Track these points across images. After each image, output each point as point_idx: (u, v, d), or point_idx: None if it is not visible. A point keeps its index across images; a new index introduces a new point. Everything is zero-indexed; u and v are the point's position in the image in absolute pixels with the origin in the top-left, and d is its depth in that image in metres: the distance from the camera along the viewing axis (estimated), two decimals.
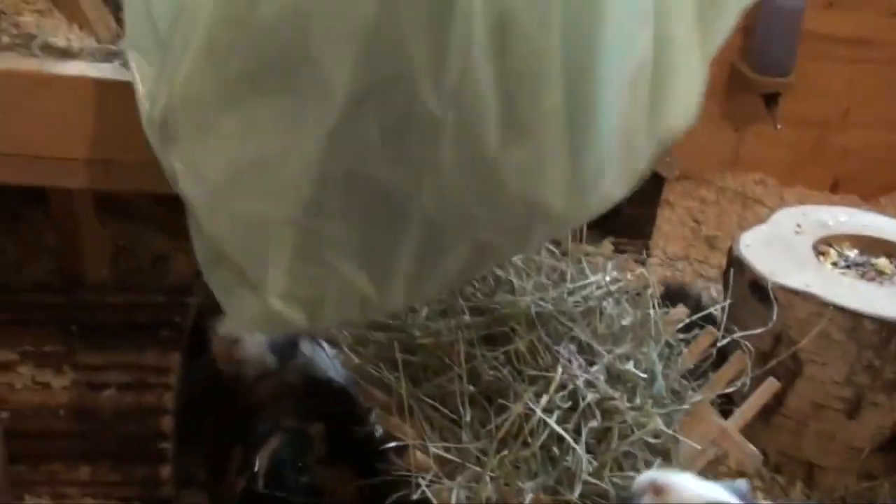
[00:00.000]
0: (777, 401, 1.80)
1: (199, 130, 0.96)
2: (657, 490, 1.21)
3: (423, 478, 1.31)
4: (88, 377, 1.62)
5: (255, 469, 1.46)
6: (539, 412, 1.32)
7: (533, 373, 1.39)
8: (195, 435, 1.71)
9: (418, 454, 1.33)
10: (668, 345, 1.53)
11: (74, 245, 1.97)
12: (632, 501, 1.25)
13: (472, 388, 1.37)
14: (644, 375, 1.43)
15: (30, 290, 1.81)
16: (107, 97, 1.21)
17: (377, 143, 0.92)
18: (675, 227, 2.63)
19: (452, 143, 0.92)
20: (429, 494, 1.30)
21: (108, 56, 1.26)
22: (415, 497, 1.31)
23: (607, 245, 1.74)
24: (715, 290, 2.34)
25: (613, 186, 1.06)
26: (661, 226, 2.56)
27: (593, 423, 1.35)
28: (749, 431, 1.51)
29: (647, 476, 1.25)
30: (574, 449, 1.32)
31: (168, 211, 2.22)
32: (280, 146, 0.94)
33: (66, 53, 1.26)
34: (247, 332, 1.04)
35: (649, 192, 2.37)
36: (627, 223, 2.35)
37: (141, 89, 1.06)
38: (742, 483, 1.26)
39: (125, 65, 1.24)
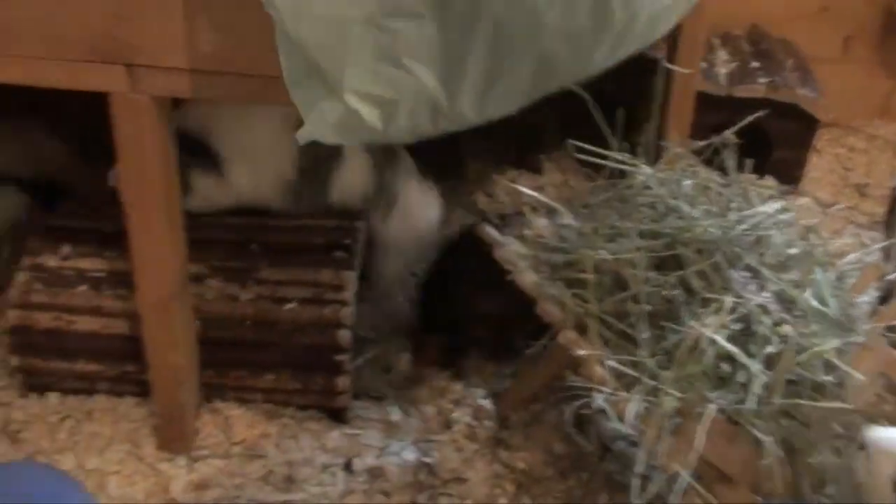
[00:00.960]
0: None
1: None
2: None
3: (601, 390, 1.36)
4: (271, 291, 1.72)
5: None
6: (711, 332, 1.36)
7: (707, 295, 1.42)
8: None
9: (597, 367, 1.38)
10: (836, 276, 1.54)
11: None
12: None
13: (648, 307, 1.42)
14: (816, 303, 1.44)
15: (214, 214, 1.91)
16: None
17: None
18: (823, 173, 2.59)
19: None
20: (605, 407, 1.36)
21: None
22: (592, 408, 1.37)
23: (770, 181, 1.76)
24: (867, 237, 2.32)
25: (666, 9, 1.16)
26: (809, 172, 2.53)
27: (770, 349, 1.37)
28: None
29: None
30: (746, 369, 1.35)
31: None
32: None
33: None
34: (326, 139, 1.09)
35: (801, 134, 2.35)
36: (777, 166, 2.34)
37: None
38: None
39: None
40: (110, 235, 1.74)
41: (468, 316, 1.85)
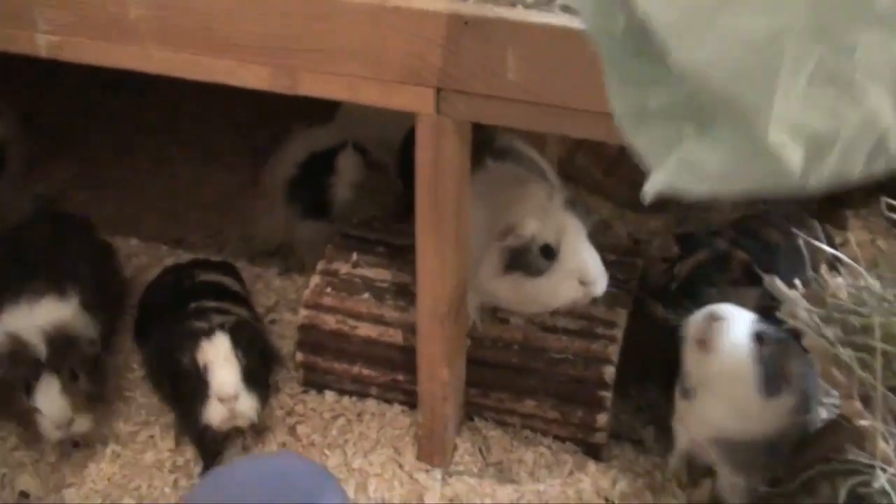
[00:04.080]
0: None
1: None
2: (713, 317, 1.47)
3: (884, 468, 1.26)
4: (542, 318, 1.74)
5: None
6: None
7: None
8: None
9: (881, 443, 1.28)
10: None
11: None
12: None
13: None
14: None
15: None
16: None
17: None
18: None
19: None
20: (888, 487, 1.26)
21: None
22: (874, 486, 1.27)
23: None
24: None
25: None
26: None
27: None
28: None
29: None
30: None
31: (614, 182, 2.32)
32: None
33: None
34: (694, 187, 0.85)
35: None
36: None
37: None
38: None
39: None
40: (398, 248, 1.84)
41: None
